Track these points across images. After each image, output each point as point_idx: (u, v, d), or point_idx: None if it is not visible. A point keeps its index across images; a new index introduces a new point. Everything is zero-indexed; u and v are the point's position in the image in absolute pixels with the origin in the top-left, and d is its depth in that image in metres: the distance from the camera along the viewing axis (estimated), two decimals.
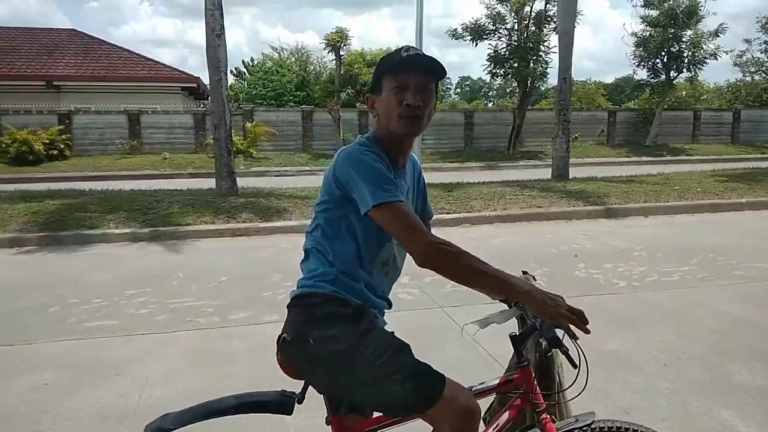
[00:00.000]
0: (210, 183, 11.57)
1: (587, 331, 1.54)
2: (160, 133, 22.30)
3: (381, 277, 1.82)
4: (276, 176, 17.58)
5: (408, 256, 1.68)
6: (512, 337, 1.77)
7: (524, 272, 2.01)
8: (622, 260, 6.51)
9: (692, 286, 5.45)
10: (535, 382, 1.77)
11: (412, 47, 1.75)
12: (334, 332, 1.67)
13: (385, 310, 1.91)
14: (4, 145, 19.06)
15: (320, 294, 1.73)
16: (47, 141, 19.55)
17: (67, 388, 3.47)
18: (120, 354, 4.00)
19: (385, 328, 1.85)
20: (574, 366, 1.62)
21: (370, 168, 1.63)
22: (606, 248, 7.20)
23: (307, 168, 19.77)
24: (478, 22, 23.43)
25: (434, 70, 1.74)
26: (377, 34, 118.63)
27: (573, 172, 14.08)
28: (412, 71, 1.70)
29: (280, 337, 1.77)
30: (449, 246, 1.57)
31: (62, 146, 20.18)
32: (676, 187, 11.19)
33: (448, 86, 79.19)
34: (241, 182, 11.94)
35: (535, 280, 1.97)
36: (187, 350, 4.06)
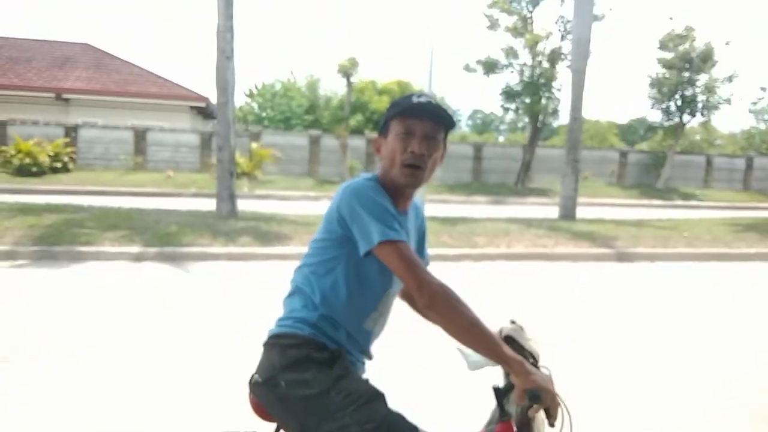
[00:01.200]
0: (212, 204, 11.41)
1: (552, 425, 1.55)
2: (165, 150, 22.29)
3: (366, 329, 1.76)
4: (279, 200, 17.43)
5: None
6: (495, 390, 1.69)
7: (512, 321, 1.91)
8: (625, 307, 6.28)
9: (697, 338, 5.19)
10: None
11: (425, 94, 1.75)
12: (306, 376, 1.64)
13: (366, 361, 1.85)
14: (8, 156, 19.02)
15: (298, 336, 1.69)
16: (52, 153, 19.51)
17: (46, 411, 3.24)
18: (103, 380, 3.76)
19: (364, 376, 1.80)
20: (551, 425, 1.58)
21: (377, 204, 1.60)
22: (609, 293, 6.97)
23: (312, 193, 19.62)
24: (490, 57, 23.52)
25: (443, 119, 1.70)
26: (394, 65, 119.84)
27: (581, 212, 13.90)
28: (419, 118, 1.68)
29: (252, 377, 1.73)
30: (455, 296, 1.54)
31: (66, 159, 20.14)
32: (685, 234, 10.96)
33: (459, 118, 79.65)
34: (243, 205, 11.81)
35: (523, 330, 1.87)
36: (171, 382, 3.82)
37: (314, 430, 1.61)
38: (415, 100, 1.70)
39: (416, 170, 1.68)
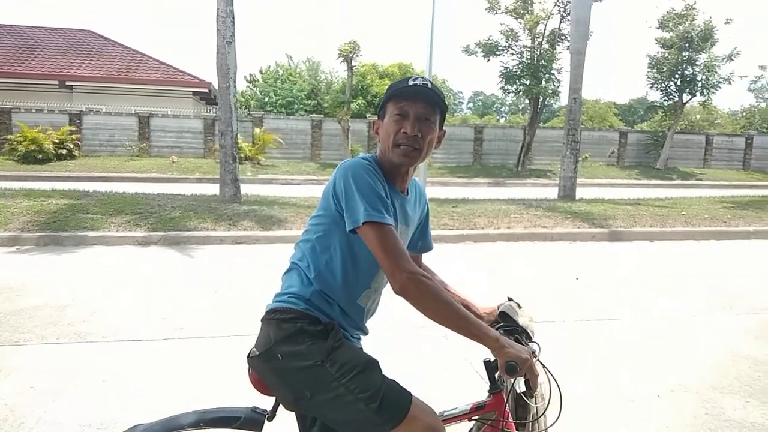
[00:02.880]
0: (216, 189, 11.57)
1: (531, 396, 1.65)
2: (169, 136, 22.43)
3: (361, 306, 1.81)
4: (282, 184, 17.60)
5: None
6: (486, 363, 1.76)
7: (509, 299, 2.00)
8: (624, 286, 6.43)
9: (692, 316, 5.35)
10: (508, 410, 1.74)
11: (421, 77, 1.78)
12: (301, 348, 1.66)
13: (362, 336, 1.90)
14: (14, 143, 19.19)
15: (292, 310, 1.73)
16: (57, 140, 19.71)
17: (52, 392, 3.42)
18: (108, 360, 3.95)
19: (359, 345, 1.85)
20: (530, 396, 1.66)
21: (368, 184, 1.64)
22: (608, 272, 7.12)
23: (314, 177, 19.77)
24: (491, 38, 23.50)
25: (437, 102, 1.76)
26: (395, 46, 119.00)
27: (581, 193, 14.01)
28: (413, 100, 1.73)
29: (250, 351, 1.77)
30: (430, 281, 1.58)
31: (71, 146, 20.33)
32: (683, 213, 11.08)
33: (461, 100, 79.32)
34: (247, 189, 11.96)
35: (520, 307, 1.96)
36: (175, 360, 4.01)
37: (310, 401, 1.65)
38: (410, 83, 1.75)
39: (410, 150, 1.73)
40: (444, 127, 1.84)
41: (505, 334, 1.84)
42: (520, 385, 1.74)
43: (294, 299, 1.74)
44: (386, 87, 1.86)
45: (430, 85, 1.75)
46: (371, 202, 1.61)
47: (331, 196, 1.71)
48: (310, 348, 1.66)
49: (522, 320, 1.89)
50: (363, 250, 1.68)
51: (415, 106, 1.72)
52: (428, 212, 2.06)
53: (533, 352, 1.68)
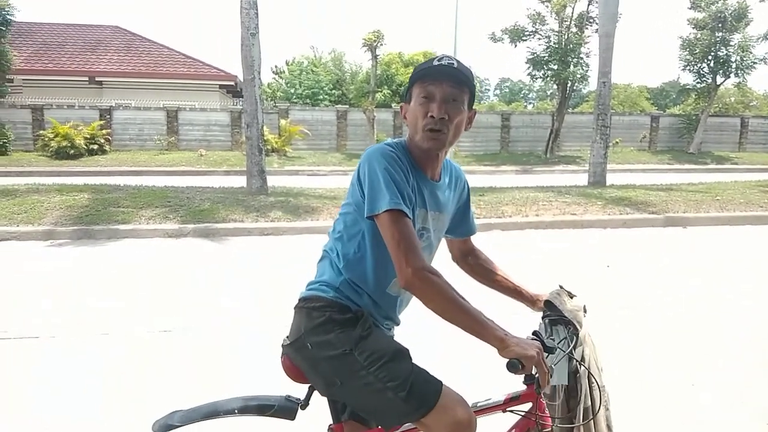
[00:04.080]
0: (244, 181, 11.64)
1: (540, 394, 1.61)
2: (197, 130, 22.65)
3: (392, 295, 1.78)
4: (308, 175, 17.65)
5: None
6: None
7: (560, 287, 1.93)
8: (656, 273, 6.29)
9: (729, 302, 5.21)
10: (543, 401, 1.68)
11: (447, 56, 1.69)
12: (330, 337, 1.66)
13: (394, 326, 1.88)
14: (47, 139, 19.57)
15: (322, 298, 1.73)
16: (88, 136, 20.06)
17: (78, 385, 3.47)
18: (146, 350, 3.99)
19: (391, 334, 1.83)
20: (538, 393, 1.60)
21: (387, 171, 1.60)
22: (640, 259, 6.97)
23: (340, 168, 19.78)
24: (518, 24, 23.20)
25: (465, 81, 1.67)
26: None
27: (611, 179, 13.77)
28: (439, 81, 1.65)
29: (284, 340, 1.79)
30: (437, 277, 1.53)
31: (102, 141, 20.67)
32: (718, 198, 10.81)
33: (487, 88, 78.64)
34: (273, 181, 12.01)
35: (571, 297, 1.89)
36: (209, 349, 4.03)
37: (339, 389, 1.66)
38: (435, 63, 1.67)
39: (437, 134, 1.66)
40: (467, 124, 1.75)
41: (550, 324, 1.82)
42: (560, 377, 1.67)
43: (324, 287, 1.74)
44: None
45: (456, 64, 1.66)
46: (389, 190, 1.57)
47: (357, 184, 1.68)
48: (339, 336, 1.66)
49: (567, 311, 1.82)
50: None
51: (442, 86, 1.64)
52: (469, 195, 2.00)
53: (548, 348, 1.62)
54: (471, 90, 1.70)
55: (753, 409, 3.19)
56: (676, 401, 3.29)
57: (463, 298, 1.53)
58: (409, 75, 1.79)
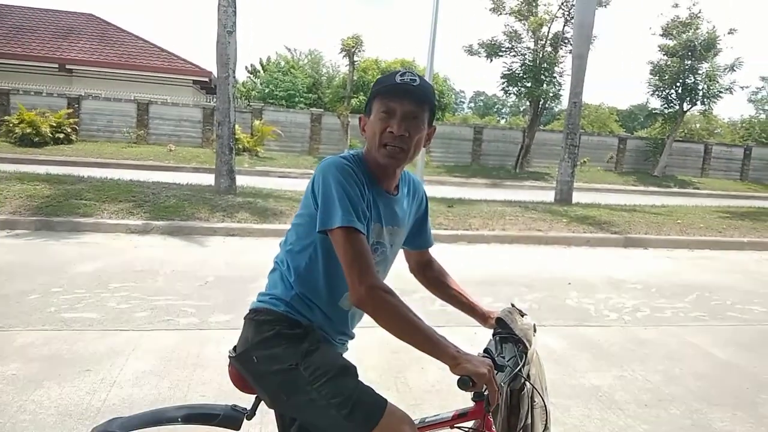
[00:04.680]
0: (212, 179, 11.51)
1: (488, 411, 1.66)
2: (167, 124, 22.33)
3: (343, 309, 1.76)
4: (279, 177, 17.53)
5: None
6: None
7: (512, 305, 1.96)
8: (616, 291, 6.41)
9: (684, 325, 5.34)
10: (490, 419, 1.70)
11: (409, 72, 1.70)
12: (276, 351, 1.65)
13: (348, 341, 1.87)
14: (11, 125, 19.07)
15: (272, 312, 1.72)
16: (54, 124, 19.57)
17: (34, 380, 3.39)
18: (94, 349, 3.92)
19: (341, 352, 1.82)
20: (487, 411, 1.65)
21: (341, 186, 1.58)
22: (601, 278, 7.10)
23: (311, 171, 19.32)
24: (495, 39, 23.47)
25: (426, 99, 1.66)
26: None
27: (578, 197, 14.00)
28: (400, 98, 1.64)
29: (230, 351, 1.78)
30: (390, 295, 1.53)
31: (69, 130, 20.20)
32: (679, 221, 11.08)
33: (462, 100, 79.24)
34: (243, 180, 11.90)
35: (522, 315, 1.92)
36: (162, 351, 3.97)
37: (285, 403, 1.65)
38: (398, 79, 1.65)
39: (397, 151, 1.65)
40: (436, 124, 1.76)
41: (500, 341, 1.84)
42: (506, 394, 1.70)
43: (275, 300, 1.72)
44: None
45: (418, 81, 1.66)
46: (342, 205, 1.55)
47: (311, 196, 1.66)
48: (285, 351, 1.64)
49: (518, 329, 1.84)
50: None
51: (403, 103, 1.63)
52: (427, 207, 1.99)
53: (499, 366, 1.66)
54: (432, 107, 1.70)
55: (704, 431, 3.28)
56: (630, 421, 3.36)
57: (416, 316, 1.53)
58: None
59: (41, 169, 12.01)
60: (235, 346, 1.77)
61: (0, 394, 3.21)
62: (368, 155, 1.72)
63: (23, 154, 17.52)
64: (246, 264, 6.66)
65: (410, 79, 1.65)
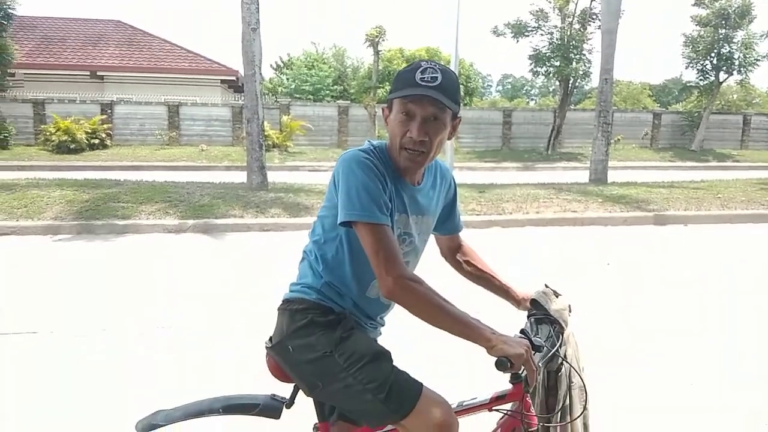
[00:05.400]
0: (244, 176, 11.63)
1: (527, 392, 1.67)
2: (198, 125, 22.64)
3: (371, 298, 1.77)
4: (309, 171, 17.63)
5: None
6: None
7: (546, 286, 1.94)
8: (657, 270, 6.27)
9: (727, 301, 5.19)
10: (529, 400, 1.69)
11: (430, 66, 1.61)
12: (311, 340, 1.67)
13: (380, 327, 1.88)
14: (48, 134, 19.57)
15: (305, 300, 1.73)
16: (89, 130, 20.04)
17: (70, 382, 3.47)
18: (139, 347, 3.99)
19: (374, 337, 1.84)
20: (526, 391, 1.66)
21: (361, 181, 1.57)
22: (641, 257, 6.96)
23: None
24: (520, 19, 23.14)
25: (447, 99, 1.59)
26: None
27: (613, 176, 13.75)
28: (420, 101, 1.58)
29: (267, 342, 1.80)
30: (419, 284, 1.52)
31: (104, 136, 20.67)
32: (719, 196, 10.78)
33: (489, 84, 78.50)
34: (274, 176, 12.00)
35: (557, 295, 1.90)
36: (202, 347, 4.03)
37: (322, 390, 1.67)
38: (418, 78, 1.58)
39: (416, 154, 1.63)
40: (464, 110, 1.71)
41: (536, 323, 1.82)
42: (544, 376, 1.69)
43: (307, 289, 1.74)
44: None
45: (440, 78, 1.58)
46: (363, 200, 1.54)
47: (334, 188, 1.65)
48: (319, 339, 1.66)
49: (553, 309, 1.82)
50: None
51: (422, 106, 1.58)
52: (455, 193, 1.97)
53: (536, 347, 1.63)
54: (455, 102, 1.63)
55: (752, 410, 3.18)
56: (675, 401, 3.28)
57: (446, 302, 1.52)
58: None
59: (79, 175, 12.29)
60: (271, 337, 1.79)
61: (28, 396, 3.29)
62: (391, 150, 1.69)
63: (61, 161, 17.96)
64: (281, 257, 6.69)
65: (431, 77, 1.58)
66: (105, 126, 20.86)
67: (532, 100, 69.88)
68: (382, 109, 1.75)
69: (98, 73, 23.44)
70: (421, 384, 1.59)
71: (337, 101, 27.11)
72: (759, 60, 23.87)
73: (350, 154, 1.64)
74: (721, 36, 23.61)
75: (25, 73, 22.63)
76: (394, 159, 1.68)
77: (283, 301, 1.81)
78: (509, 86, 78.99)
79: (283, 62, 39.96)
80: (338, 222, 1.58)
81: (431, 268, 2.12)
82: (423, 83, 1.57)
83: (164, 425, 1.68)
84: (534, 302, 1.87)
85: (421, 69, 1.60)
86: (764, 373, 3.65)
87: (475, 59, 66.69)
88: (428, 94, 1.56)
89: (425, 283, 1.53)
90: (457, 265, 2.09)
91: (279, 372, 1.78)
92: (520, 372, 1.57)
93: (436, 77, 1.58)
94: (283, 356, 1.74)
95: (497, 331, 1.52)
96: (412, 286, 1.51)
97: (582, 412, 1.79)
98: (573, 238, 8.20)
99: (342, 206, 1.57)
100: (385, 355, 1.65)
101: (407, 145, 1.62)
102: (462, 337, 1.51)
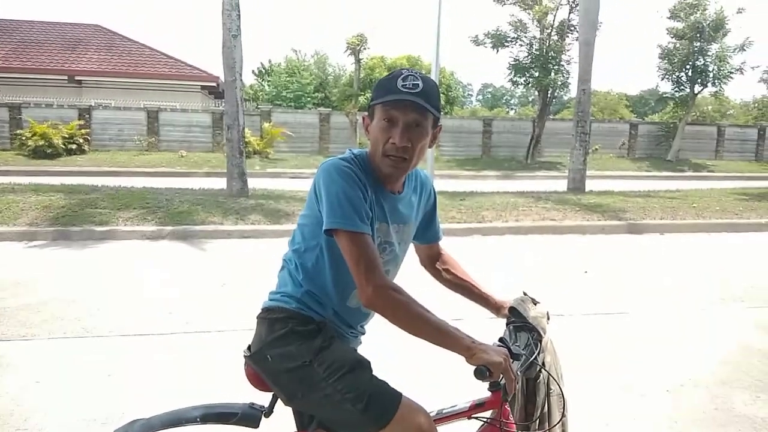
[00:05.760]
0: (224, 183, 11.57)
1: (506, 400, 1.65)
2: (177, 131, 22.48)
3: (352, 307, 1.76)
4: (291, 178, 17.57)
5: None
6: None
7: (524, 293, 1.96)
8: (634, 278, 6.37)
9: (703, 310, 5.29)
10: (507, 408, 1.70)
11: (411, 74, 1.62)
12: (290, 349, 1.66)
13: (360, 335, 1.88)
14: (24, 138, 19.29)
15: (284, 309, 1.73)
16: (66, 135, 19.78)
17: (59, 387, 3.43)
18: (114, 355, 3.95)
19: (354, 346, 1.83)
20: (505, 400, 1.65)
21: (342, 190, 1.57)
22: (618, 265, 7.06)
23: None
24: (500, 29, 23.36)
25: (429, 105, 1.61)
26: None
27: (590, 185, 13.92)
28: (402, 107, 1.60)
29: (245, 350, 1.78)
30: (399, 293, 1.53)
31: (81, 141, 20.40)
32: (695, 205, 10.98)
33: (470, 93, 78.99)
34: (255, 183, 11.95)
35: (535, 303, 1.92)
36: (180, 354, 4.00)
37: (301, 400, 1.66)
38: (399, 85, 1.59)
39: (399, 161, 1.64)
40: (444, 118, 1.73)
41: (514, 330, 1.83)
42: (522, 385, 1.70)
43: (287, 298, 1.73)
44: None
45: (421, 86, 1.60)
46: (344, 209, 1.54)
47: (314, 197, 1.66)
48: (299, 348, 1.65)
49: (531, 317, 1.84)
50: None
51: (404, 113, 1.59)
52: (435, 201, 1.98)
53: (515, 355, 1.65)
54: (436, 110, 1.65)
55: (731, 417, 3.25)
56: (653, 408, 3.34)
57: (426, 311, 1.52)
58: None
59: (56, 181, 12.14)
60: (249, 346, 1.78)
61: (25, 401, 3.24)
62: (372, 157, 1.69)
63: (37, 166, 17.71)
64: (261, 265, 6.66)
65: (412, 84, 1.59)
66: (83, 131, 20.61)
67: (512, 109, 70.46)
68: (363, 118, 1.76)
69: (76, 78, 23.17)
70: (400, 393, 1.59)
71: (319, 108, 27.14)
72: (732, 73, 24.37)
73: (330, 162, 1.65)
74: (696, 49, 24.07)
75: (1, 77, 22.29)
76: (376, 167, 1.68)
77: (262, 309, 1.79)
78: (489, 95, 79.55)
79: (264, 69, 39.89)
80: (322, 230, 1.58)
81: (410, 276, 2.13)
82: (405, 90, 1.59)
83: None
84: (512, 310, 1.88)
85: (402, 76, 1.61)
86: (743, 380, 3.73)
87: (456, 68, 67.11)
88: (411, 99, 1.58)
89: (405, 293, 1.53)
90: (437, 274, 2.09)
91: (257, 381, 1.77)
92: (499, 380, 1.59)
93: (418, 84, 1.60)
94: (261, 365, 1.72)
95: (477, 339, 1.53)
96: (393, 296, 1.52)
97: (560, 420, 1.80)
98: (552, 246, 8.28)
99: (324, 215, 1.57)
100: (364, 365, 1.65)
101: (390, 152, 1.63)
102: (441, 345, 1.52)
